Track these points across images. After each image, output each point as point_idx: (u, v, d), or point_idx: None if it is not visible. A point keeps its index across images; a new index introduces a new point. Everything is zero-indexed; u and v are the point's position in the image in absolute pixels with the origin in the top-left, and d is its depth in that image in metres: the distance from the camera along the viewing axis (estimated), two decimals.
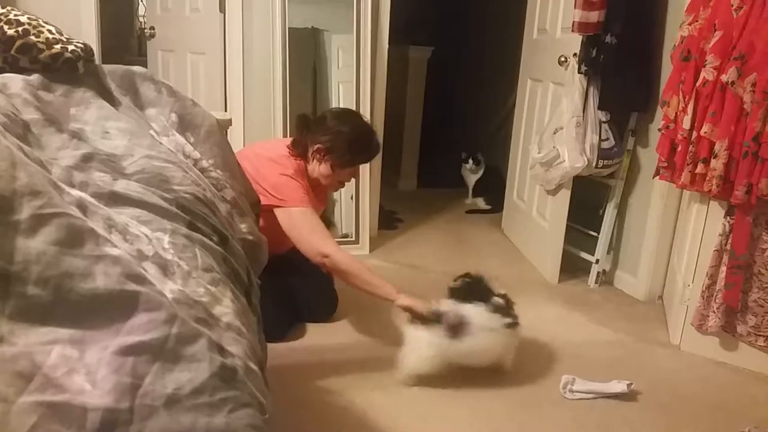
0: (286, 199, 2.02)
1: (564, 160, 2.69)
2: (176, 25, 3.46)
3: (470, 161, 4.32)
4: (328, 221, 3.13)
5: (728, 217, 2.07)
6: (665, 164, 2.25)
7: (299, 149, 2.12)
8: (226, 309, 0.96)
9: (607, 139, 2.72)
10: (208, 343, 0.83)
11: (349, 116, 2.19)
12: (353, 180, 2.48)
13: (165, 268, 0.92)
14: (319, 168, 2.12)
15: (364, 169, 3.00)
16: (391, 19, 3.13)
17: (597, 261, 2.87)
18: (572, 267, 2.97)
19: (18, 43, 1.18)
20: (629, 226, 2.85)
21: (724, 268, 2.08)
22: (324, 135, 2.07)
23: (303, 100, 3.17)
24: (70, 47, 1.22)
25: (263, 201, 1.81)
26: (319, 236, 2.00)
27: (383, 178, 3.41)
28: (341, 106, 3.17)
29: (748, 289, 2.09)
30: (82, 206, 0.90)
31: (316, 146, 2.09)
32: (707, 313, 2.14)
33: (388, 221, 3.62)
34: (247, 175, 1.62)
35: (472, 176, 4.36)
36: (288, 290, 2.22)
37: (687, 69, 2.11)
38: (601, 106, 2.69)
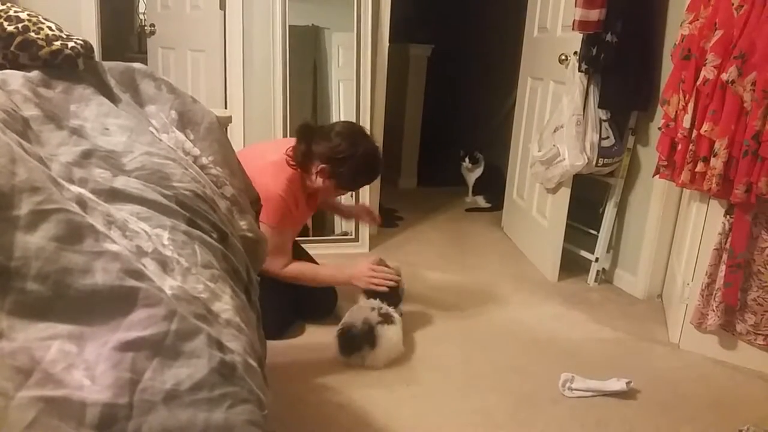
0: (263, 215, 2.02)
1: (564, 159, 2.69)
2: (176, 23, 3.46)
3: (467, 159, 4.31)
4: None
5: (728, 216, 2.07)
6: (665, 163, 2.25)
7: (299, 160, 2.06)
8: (225, 305, 0.96)
9: (608, 137, 2.72)
10: (208, 339, 0.83)
11: (357, 138, 2.08)
12: None
13: (164, 264, 0.92)
14: (322, 185, 2.10)
15: None
16: (392, 17, 3.13)
17: (596, 259, 2.87)
18: (572, 265, 2.97)
19: (18, 39, 1.18)
20: (629, 225, 2.85)
21: (723, 267, 2.08)
22: (330, 155, 2.02)
23: (303, 97, 3.17)
24: (70, 44, 1.22)
25: None
26: (272, 256, 1.94)
27: (383, 176, 3.39)
28: (341, 105, 3.17)
29: (747, 288, 2.09)
30: (81, 202, 0.90)
31: (321, 167, 2.04)
32: (706, 311, 2.15)
33: (388, 219, 3.62)
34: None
35: (470, 175, 4.35)
36: (287, 288, 2.22)
37: (687, 68, 2.11)
38: (601, 105, 2.69)
